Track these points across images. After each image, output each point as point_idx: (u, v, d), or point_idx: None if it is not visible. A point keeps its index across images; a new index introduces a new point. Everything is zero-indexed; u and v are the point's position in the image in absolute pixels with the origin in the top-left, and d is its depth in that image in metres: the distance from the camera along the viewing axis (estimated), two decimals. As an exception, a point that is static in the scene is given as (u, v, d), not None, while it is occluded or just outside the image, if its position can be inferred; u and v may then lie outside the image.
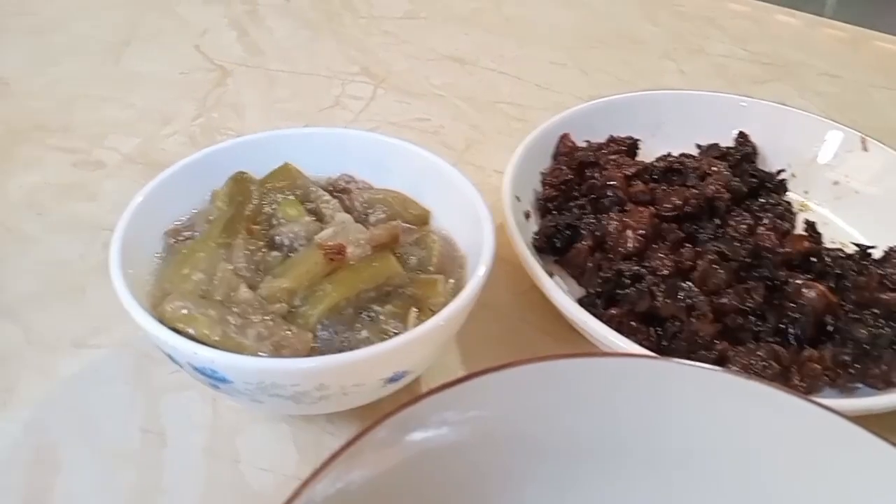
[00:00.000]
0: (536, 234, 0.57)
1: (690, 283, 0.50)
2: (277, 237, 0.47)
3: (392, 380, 0.42)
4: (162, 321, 0.40)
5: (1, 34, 0.90)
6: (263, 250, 0.46)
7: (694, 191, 0.55)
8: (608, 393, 0.33)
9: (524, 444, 0.34)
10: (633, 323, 0.49)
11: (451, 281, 0.48)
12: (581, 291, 0.54)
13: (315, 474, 0.27)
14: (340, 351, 0.42)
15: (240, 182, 0.49)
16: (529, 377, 0.32)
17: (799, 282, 0.49)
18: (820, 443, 0.31)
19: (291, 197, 0.50)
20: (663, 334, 0.49)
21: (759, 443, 0.33)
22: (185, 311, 0.41)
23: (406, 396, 0.47)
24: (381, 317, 0.44)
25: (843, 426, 0.31)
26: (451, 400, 0.31)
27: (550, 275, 0.51)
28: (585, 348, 0.51)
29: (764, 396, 0.32)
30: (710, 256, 0.51)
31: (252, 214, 0.47)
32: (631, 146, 0.64)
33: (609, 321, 0.48)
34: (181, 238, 0.48)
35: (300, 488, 0.27)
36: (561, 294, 0.49)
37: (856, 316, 0.49)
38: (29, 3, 0.96)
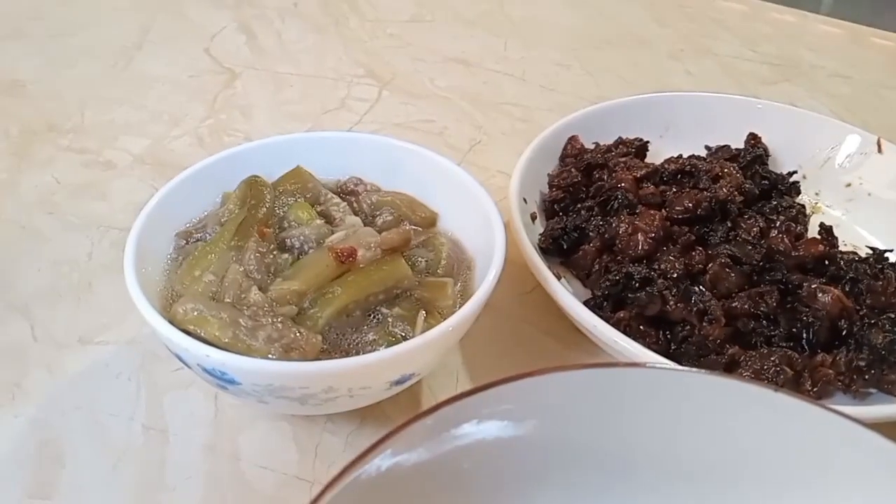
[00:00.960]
0: (543, 235, 0.56)
1: (701, 287, 0.50)
2: (288, 240, 0.47)
3: (398, 382, 0.42)
4: (173, 323, 0.40)
5: (20, 38, 0.90)
6: (274, 252, 0.46)
7: (706, 193, 0.55)
8: (648, 404, 0.33)
9: (552, 450, 0.34)
10: (641, 326, 0.49)
11: (459, 284, 0.47)
12: (587, 293, 0.54)
13: (360, 458, 0.28)
14: (348, 353, 0.43)
15: (252, 185, 0.49)
16: (569, 384, 0.33)
17: (813, 286, 0.49)
18: (837, 450, 0.31)
19: (302, 200, 0.50)
20: (672, 338, 0.49)
21: (774, 453, 0.33)
22: (196, 313, 0.41)
23: (407, 398, 0.48)
24: (389, 319, 0.44)
25: (860, 432, 0.30)
26: (489, 400, 0.31)
27: (557, 277, 0.51)
28: (589, 351, 0.50)
29: (781, 405, 0.31)
30: (721, 260, 0.51)
31: (264, 217, 0.47)
32: (640, 148, 0.64)
33: (617, 324, 0.48)
34: (192, 240, 0.48)
35: (345, 470, 0.27)
36: (568, 296, 0.48)
37: (871, 321, 0.48)
38: (46, 7, 0.97)
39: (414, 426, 0.30)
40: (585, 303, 0.50)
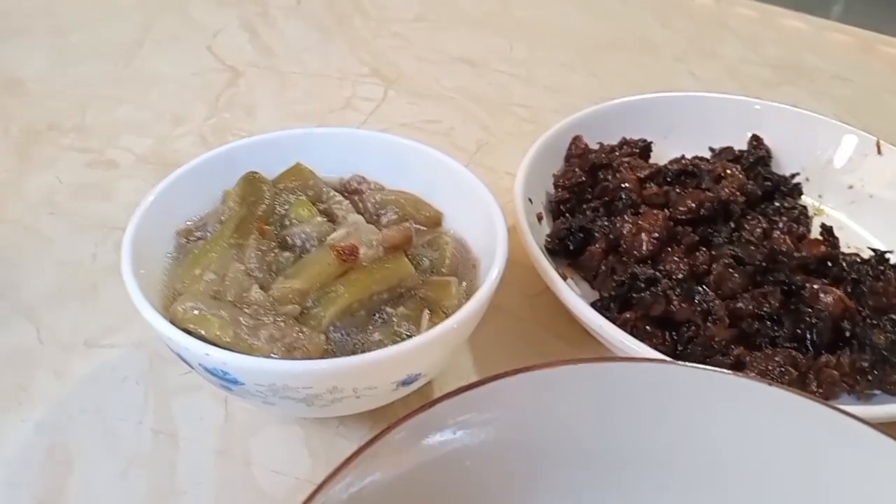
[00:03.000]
0: (549, 236, 0.57)
1: (706, 288, 0.50)
2: (289, 238, 0.47)
3: (405, 383, 0.42)
4: (174, 322, 0.40)
5: (21, 36, 0.90)
6: (275, 251, 0.46)
7: (709, 194, 0.55)
8: (627, 399, 0.33)
9: (540, 450, 0.34)
10: (647, 327, 0.49)
11: (464, 283, 0.47)
12: (594, 294, 0.54)
13: (330, 478, 0.27)
14: (353, 353, 0.42)
15: (252, 182, 0.49)
16: (546, 381, 0.32)
17: (816, 287, 0.49)
18: (843, 449, 0.31)
19: (303, 197, 0.49)
20: (678, 339, 0.49)
21: (781, 451, 0.32)
22: (196, 312, 0.40)
23: (418, 400, 0.47)
24: (394, 319, 0.44)
25: (866, 432, 0.30)
26: (467, 404, 0.31)
27: (564, 278, 0.51)
28: (599, 352, 0.50)
29: (786, 403, 0.31)
30: (725, 260, 0.51)
31: (264, 215, 0.47)
32: (644, 148, 0.64)
33: (623, 325, 0.48)
34: (193, 238, 0.48)
35: (315, 493, 0.27)
36: (575, 297, 0.48)
37: (874, 322, 0.48)
38: (48, 6, 0.97)
39: (410, 422, 0.30)
40: (592, 304, 0.50)
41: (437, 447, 0.31)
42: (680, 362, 0.36)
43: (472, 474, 0.33)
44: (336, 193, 0.51)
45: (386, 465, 0.30)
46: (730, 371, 0.35)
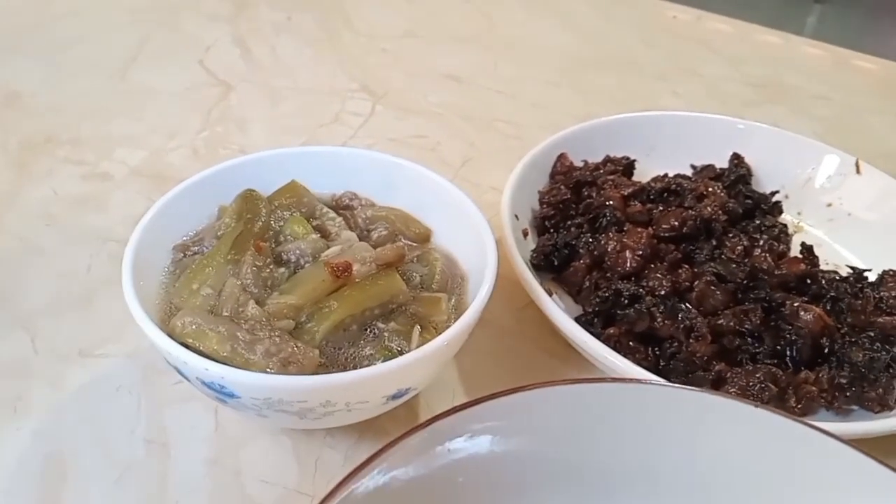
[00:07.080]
0: (534, 251, 0.58)
1: (688, 304, 0.51)
2: (284, 254, 0.48)
3: (395, 396, 0.43)
4: (172, 336, 0.41)
5: (18, 49, 0.91)
6: (271, 267, 0.47)
7: (691, 212, 0.56)
8: (618, 418, 0.34)
9: (529, 465, 0.35)
10: (630, 342, 0.50)
11: (453, 299, 0.48)
12: (578, 309, 0.55)
13: (354, 473, 0.29)
14: (345, 367, 0.43)
15: (249, 199, 0.50)
16: (560, 399, 0.34)
17: (795, 304, 0.50)
18: (818, 466, 0.32)
19: (298, 214, 0.51)
20: (661, 354, 0.50)
21: (758, 469, 0.34)
22: (195, 327, 0.41)
23: (405, 412, 0.48)
24: (385, 334, 0.45)
25: (841, 450, 0.32)
26: (482, 415, 0.32)
27: (549, 293, 0.52)
28: (583, 366, 0.51)
29: (767, 422, 0.32)
30: (707, 278, 0.52)
31: (260, 231, 0.48)
32: (627, 166, 0.65)
33: (607, 340, 0.49)
34: (189, 253, 0.49)
35: (341, 484, 0.28)
36: (560, 313, 0.49)
37: (852, 339, 0.49)
38: (44, 20, 0.97)
39: (408, 440, 0.31)
40: (577, 319, 0.51)
41: (451, 453, 0.33)
42: (665, 382, 0.37)
43: (478, 481, 0.34)
44: (329, 210, 0.52)
45: (411, 461, 0.31)
46: (712, 391, 0.36)
